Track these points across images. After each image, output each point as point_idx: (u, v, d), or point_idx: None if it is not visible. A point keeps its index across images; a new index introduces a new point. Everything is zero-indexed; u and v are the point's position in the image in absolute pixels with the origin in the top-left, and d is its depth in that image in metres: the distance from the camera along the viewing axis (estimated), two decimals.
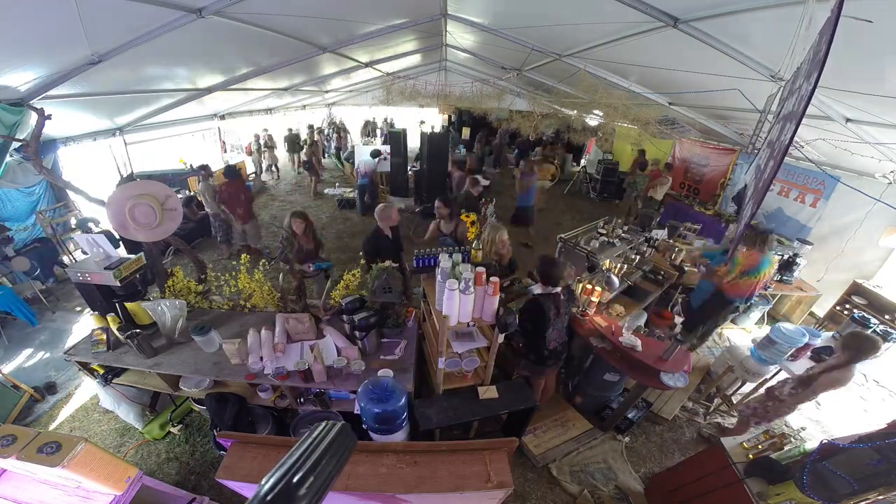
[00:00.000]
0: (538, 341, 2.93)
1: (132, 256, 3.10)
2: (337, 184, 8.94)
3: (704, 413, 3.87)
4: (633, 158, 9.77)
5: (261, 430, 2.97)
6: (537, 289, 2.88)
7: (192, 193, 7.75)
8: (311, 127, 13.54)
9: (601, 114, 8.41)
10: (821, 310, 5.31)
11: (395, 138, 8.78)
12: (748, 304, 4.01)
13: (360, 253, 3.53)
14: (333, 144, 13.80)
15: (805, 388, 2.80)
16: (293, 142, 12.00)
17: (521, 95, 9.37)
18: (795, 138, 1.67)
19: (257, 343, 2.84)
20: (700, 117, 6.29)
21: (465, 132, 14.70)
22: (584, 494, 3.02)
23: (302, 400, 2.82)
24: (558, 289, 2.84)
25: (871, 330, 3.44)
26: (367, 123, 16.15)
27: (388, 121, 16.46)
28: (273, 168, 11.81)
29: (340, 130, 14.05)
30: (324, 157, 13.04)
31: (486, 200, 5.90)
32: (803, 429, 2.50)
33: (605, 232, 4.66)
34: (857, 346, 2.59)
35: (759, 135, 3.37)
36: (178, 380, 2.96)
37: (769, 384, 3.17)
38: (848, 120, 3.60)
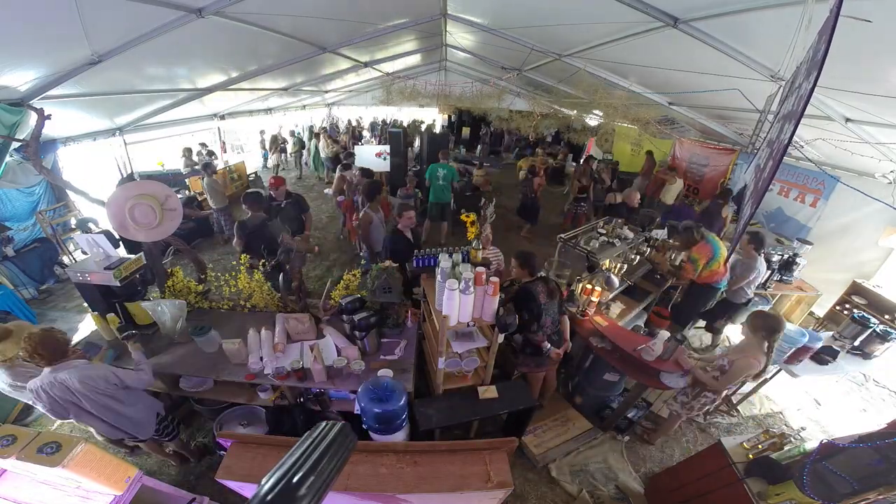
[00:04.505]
0: (533, 329, 2.94)
1: (132, 256, 3.10)
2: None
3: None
4: (642, 165, 9.29)
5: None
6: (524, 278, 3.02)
7: (192, 193, 7.75)
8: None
9: (601, 114, 8.40)
10: (821, 310, 5.30)
11: (395, 138, 8.77)
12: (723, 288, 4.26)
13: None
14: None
15: (723, 374, 2.77)
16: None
17: (521, 95, 9.36)
18: (795, 138, 1.67)
19: (257, 343, 2.84)
20: (700, 117, 6.29)
21: (465, 132, 14.69)
22: (583, 494, 3.02)
23: (302, 400, 2.82)
24: (541, 273, 3.04)
25: (870, 330, 3.43)
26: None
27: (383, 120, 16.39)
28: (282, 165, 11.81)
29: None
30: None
31: (486, 201, 5.89)
32: (803, 429, 2.50)
33: (605, 232, 4.66)
34: (766, 325, 2.59)
35: (759, 134, 3.38)
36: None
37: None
38: (848, 120, 3.60)
